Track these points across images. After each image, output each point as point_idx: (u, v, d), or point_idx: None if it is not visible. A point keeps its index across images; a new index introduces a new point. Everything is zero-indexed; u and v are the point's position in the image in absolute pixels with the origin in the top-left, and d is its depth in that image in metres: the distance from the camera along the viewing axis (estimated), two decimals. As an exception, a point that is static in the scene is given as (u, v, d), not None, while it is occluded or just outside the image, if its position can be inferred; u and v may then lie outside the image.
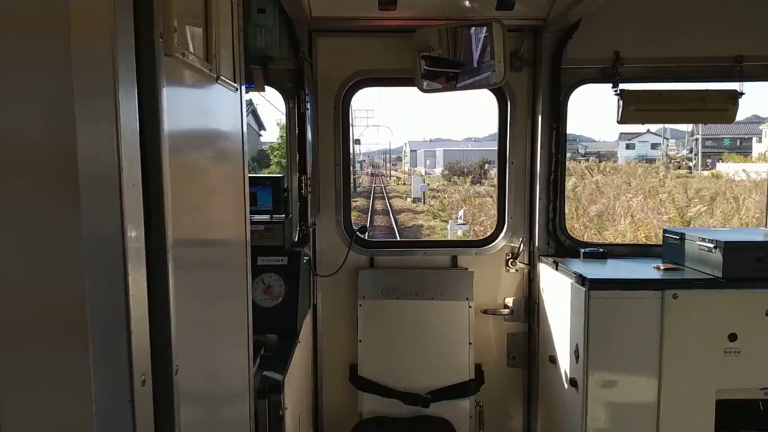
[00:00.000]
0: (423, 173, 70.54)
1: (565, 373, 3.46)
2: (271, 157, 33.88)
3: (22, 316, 0.87)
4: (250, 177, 3.69)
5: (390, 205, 33.79)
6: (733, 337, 3.13)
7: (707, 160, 51.62)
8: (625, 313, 3.16)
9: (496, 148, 4.26)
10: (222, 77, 1.58)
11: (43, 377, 0.88)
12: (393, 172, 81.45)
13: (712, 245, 3.23)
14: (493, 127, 4.26)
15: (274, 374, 2.83)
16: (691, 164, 50.73)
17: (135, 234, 1.00)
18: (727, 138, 62.15)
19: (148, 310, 1.07)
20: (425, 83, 3.87)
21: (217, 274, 1.62)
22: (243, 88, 1.86)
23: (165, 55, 1.18)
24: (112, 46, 0.95)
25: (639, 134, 71.12)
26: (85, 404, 0.88)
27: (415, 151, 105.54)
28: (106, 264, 0.93)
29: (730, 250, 3.13)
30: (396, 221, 26.11)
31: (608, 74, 3.84)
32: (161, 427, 1.13)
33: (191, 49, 1.35)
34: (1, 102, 0.83)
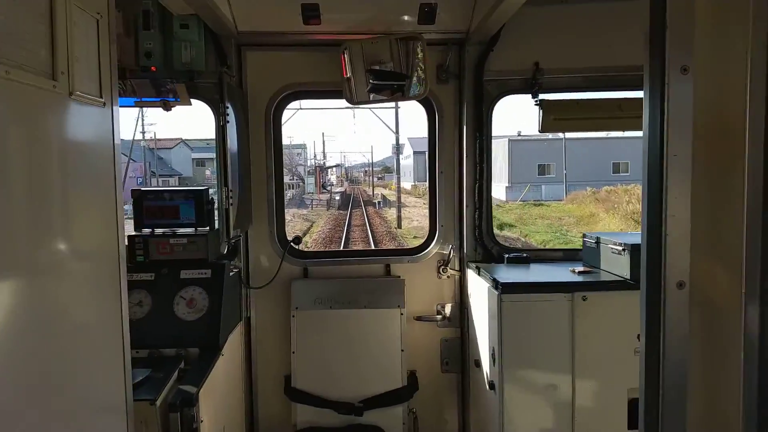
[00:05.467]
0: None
1: (486, 375, 3.53)
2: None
3: None
4: (172, 190, 3.74)
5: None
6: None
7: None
8: (537, 315, 3.25)
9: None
10: (79, 93, 1.62)
11: None
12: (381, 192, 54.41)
13: (620, 248, 3.34)
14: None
15: (189, 387, 2.84)
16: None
17: None
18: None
19: None
20: (353, 96, 3.95)
21: (60, 293, 1.61)
22: (115, 102, 1.90)
23: None
24: None
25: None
26: None
27: (422, 153, 62.69)
28: None
29: (637, 252, 3.24)
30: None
31: (529, 85, 3.96)
32: None
33: (26, 66, 1.39)
34: None
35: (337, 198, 54.31)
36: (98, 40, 1.77)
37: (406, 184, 67.65)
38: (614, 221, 27.93)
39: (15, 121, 1.41)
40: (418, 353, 4.24)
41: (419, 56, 3.80)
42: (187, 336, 3.29)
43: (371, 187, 67.43)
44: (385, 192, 62.15)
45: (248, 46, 4.00)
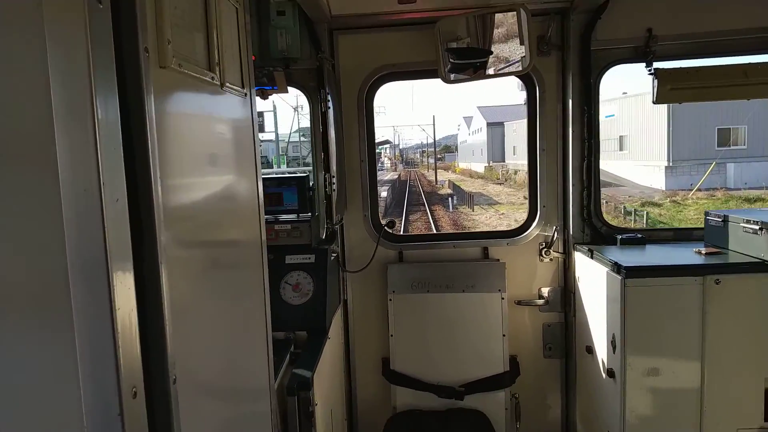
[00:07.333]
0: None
1: (603, 363, 3.36)
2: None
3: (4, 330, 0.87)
4: (275, 177, 3.77)
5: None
6: None
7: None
8: (664, 300, 3.03)
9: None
10: (228, 84, 1.61)
11: (27, 394, 0.88)
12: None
13: (757, 227, 3.05)
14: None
15: (304, 371, 2.87)
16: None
17: (118, 245, 1.01)
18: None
19: (139, 321, 1.07)
20: (449, 75, 3.81)
21: (225, 276, 1.65)
22: (253, 92, 1.88)
23: (160, 67, 1.20)
24: (89, 61, 0.95)
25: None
26: (75, 421, 0.88)
27: (499, 125, 47.37)
28: (89, 276, 0.94)
29: (777, 231, 2.95)
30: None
31: (641, 53, 3.67)
32: None
33: (191, 58, 1.37)
34: None
35: (384, 193, 30.97)
36: (238, 31, 1.74)
37: (478, 166, 52.80)
38: None
39: (190, 110, 1.41)
40: (519, 338, 4.12)
41: (522, 28, 3.60)
42: (294, 320, 3.33)
43: (433, 172, 51.95)
44: (451, 177, 47.40)
45: (339, 30, 3.94)
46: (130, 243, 1.04)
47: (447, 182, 39.52)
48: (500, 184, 36.05)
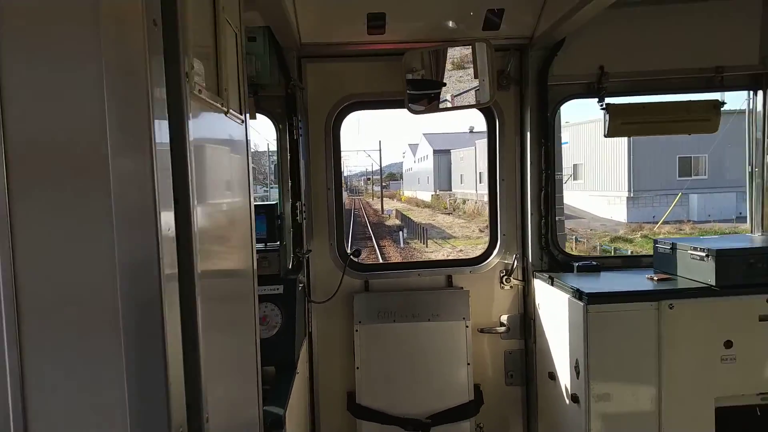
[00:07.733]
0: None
1: (566, 389, 3.45)
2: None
3: (60, 360, 0.83)
4: None
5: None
6: (728, 344, 3.16)
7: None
8: (624, 325, 3.17)
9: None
10: (231, 111, 1.59)
11: None
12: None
13: (704, 254, 3.26)
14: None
15: (275, 408, 2.76)
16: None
17: (169, 276, 0.97)
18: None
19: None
20: (415, 106, 3.91)
21: (231, 306, 1.61)
22: (248, 118, 1.86)
23: None
24: (147, 86, 0.94)
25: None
26: None
27: (445, 152, 47.07)
28: (140, 303, 0.90)
29: (723, 258, 3.17)
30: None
31: (594, 89, 3.91)
32: None
33: (206, 84, 1.36)
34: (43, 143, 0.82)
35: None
36: (237, 56, 1.73)
37: (424, 194, 50.55)
38: None
39: (206, 135, 1.37)
40: (481, 366, 4.16)
41: (485, 63, 3.75)
42: (262, 354, 3.22)
43: (378, 200, 50.21)
44: (397, 205, 46.22)
45: (308, 57, 3.96)
46: (177, 273, 1.00)
47: (394, 212, 38.15)
48: (449, 214, 34.62)
